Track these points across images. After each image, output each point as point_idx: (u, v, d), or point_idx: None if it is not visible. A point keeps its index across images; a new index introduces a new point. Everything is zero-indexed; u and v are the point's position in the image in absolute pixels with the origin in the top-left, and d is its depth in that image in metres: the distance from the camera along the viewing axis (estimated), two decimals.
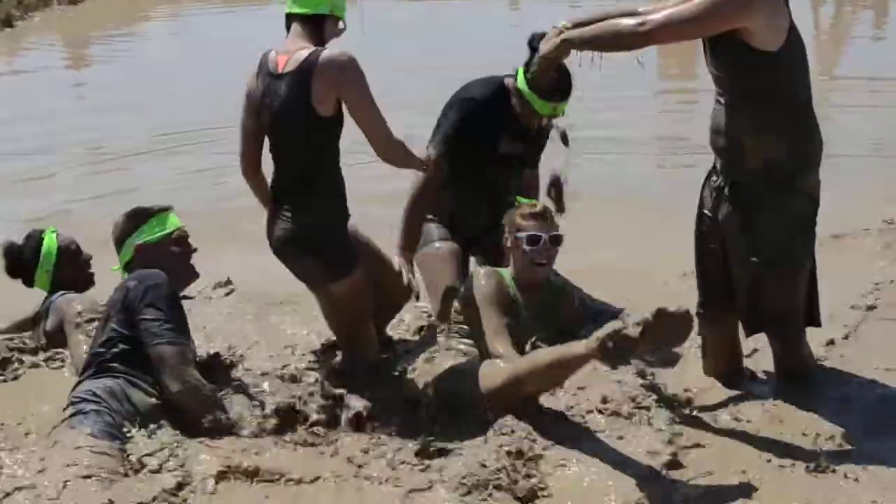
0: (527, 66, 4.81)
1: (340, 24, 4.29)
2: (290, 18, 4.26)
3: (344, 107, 4.18)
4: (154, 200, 4.38)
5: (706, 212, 4.19)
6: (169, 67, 12.70)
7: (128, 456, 3.62)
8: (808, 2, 14.57)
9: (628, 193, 7.60)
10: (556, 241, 4.55)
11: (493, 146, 5.03)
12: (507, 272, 4.57)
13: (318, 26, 4.21)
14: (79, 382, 3.93)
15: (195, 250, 4.31)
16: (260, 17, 15.26)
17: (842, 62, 12.55)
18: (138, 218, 4.23)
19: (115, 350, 3.91)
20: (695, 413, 4.06)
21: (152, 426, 3.74)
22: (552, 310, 4.62)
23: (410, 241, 4.84)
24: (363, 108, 4.14)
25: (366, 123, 4.16)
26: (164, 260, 4.14)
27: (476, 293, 4.39)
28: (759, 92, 3.89)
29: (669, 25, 3.80)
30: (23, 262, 4.95)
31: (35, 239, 4.97)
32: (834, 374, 4.31)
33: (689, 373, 4.45)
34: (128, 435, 3.70)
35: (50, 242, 4.95)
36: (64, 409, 3.84)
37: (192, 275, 4.35)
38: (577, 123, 5.06)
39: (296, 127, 4.17)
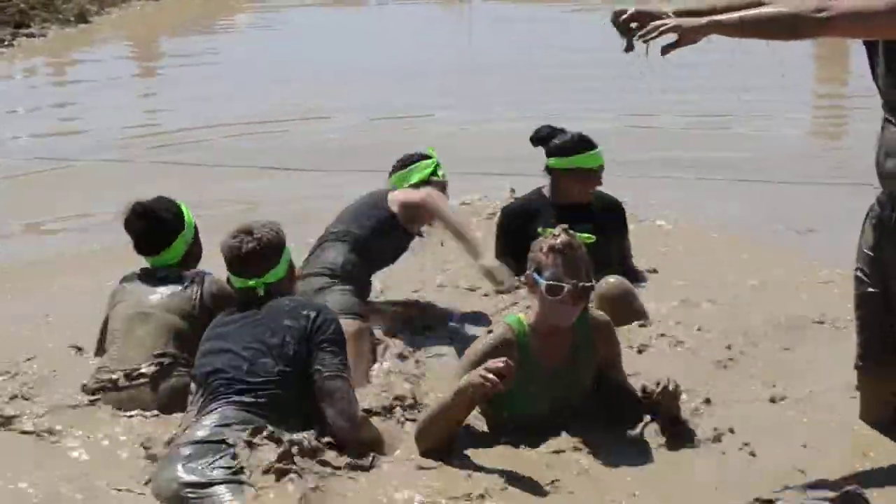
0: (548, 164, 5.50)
1: None
2: None
3: None
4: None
5: (867, 251, 3.93)
6: (246, 64, 12.41)
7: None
8: None
9: None
10: (585, 293, 3.97)
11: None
12: (522, 322, 4.04)
13: None
14: (218, 394, 3.82)
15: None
16: (350, 16, 15.09)
17: None
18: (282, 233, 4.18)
19: (272, 391, 3.82)
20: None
21: None
22: (585, 353, 4.06)
23: None
24: None
25: None
26: (291, 281, 4.24)
27: (469, 351, 4.06)
28: None
29: (856, 17, 3.53)
30: (167, 225, 4.54)
31: (174, 204, 4.60)
32: None
33: None
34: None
35: (189, 216, 4.63)
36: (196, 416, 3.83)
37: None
38: None
39: None
